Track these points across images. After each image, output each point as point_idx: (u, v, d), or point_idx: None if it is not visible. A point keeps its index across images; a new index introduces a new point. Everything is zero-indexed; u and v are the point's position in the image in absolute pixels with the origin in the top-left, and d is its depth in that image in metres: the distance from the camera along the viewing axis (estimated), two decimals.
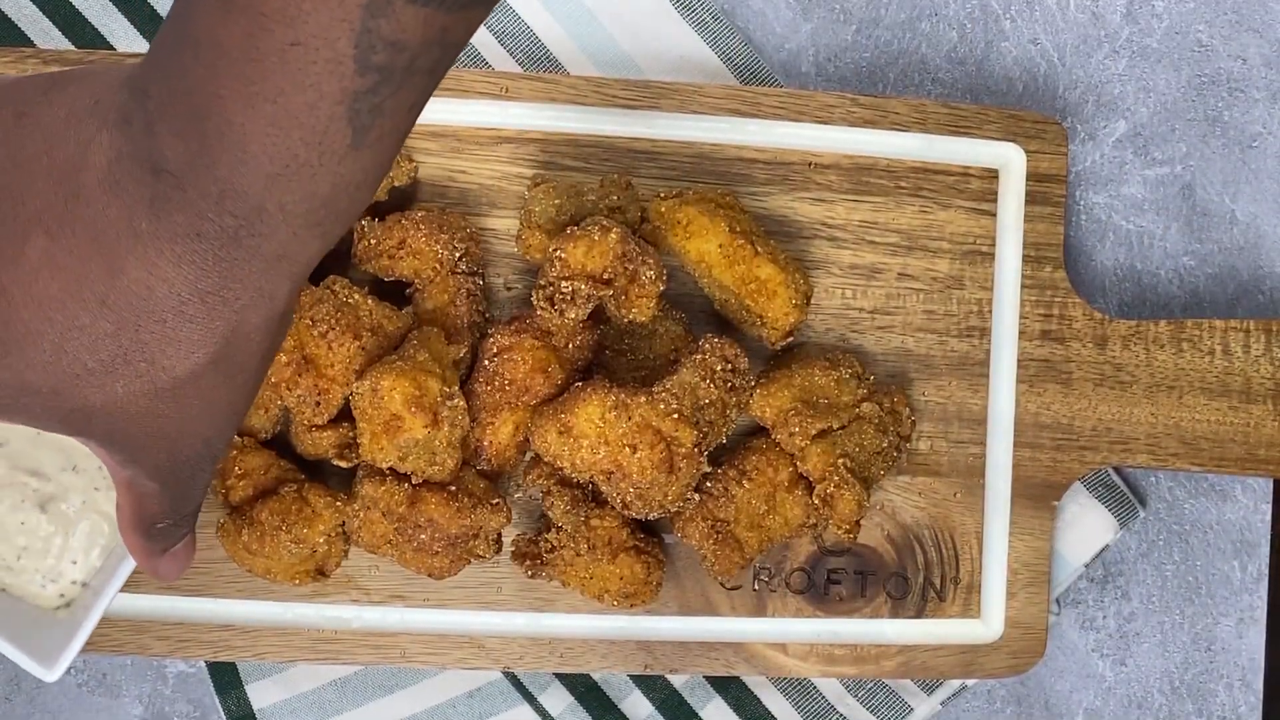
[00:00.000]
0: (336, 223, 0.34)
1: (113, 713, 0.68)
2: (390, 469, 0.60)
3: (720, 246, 0.62)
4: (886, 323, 0.67)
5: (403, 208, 0.63)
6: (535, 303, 0.59)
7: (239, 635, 0.64)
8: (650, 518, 0.61)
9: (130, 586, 0.62)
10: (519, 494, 0.65)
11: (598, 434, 0.59)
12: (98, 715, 0.68)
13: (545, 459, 0.61)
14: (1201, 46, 0.73)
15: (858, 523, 0.63)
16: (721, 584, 0.66)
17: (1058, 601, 0.71)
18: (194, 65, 0.32)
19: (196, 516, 0.42)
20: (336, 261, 0.62)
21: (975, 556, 0.68)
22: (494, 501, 0.61)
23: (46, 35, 0.67)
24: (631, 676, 0.69)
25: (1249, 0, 0.72)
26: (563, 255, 0.59)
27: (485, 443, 0.62)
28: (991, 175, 0.68)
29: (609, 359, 0.64)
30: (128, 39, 0.67)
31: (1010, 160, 0.67)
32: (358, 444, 0.60)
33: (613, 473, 0.59)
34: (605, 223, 0.59)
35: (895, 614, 0.67)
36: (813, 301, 0.66)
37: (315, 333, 0.59)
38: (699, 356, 0.61)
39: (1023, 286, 0.68)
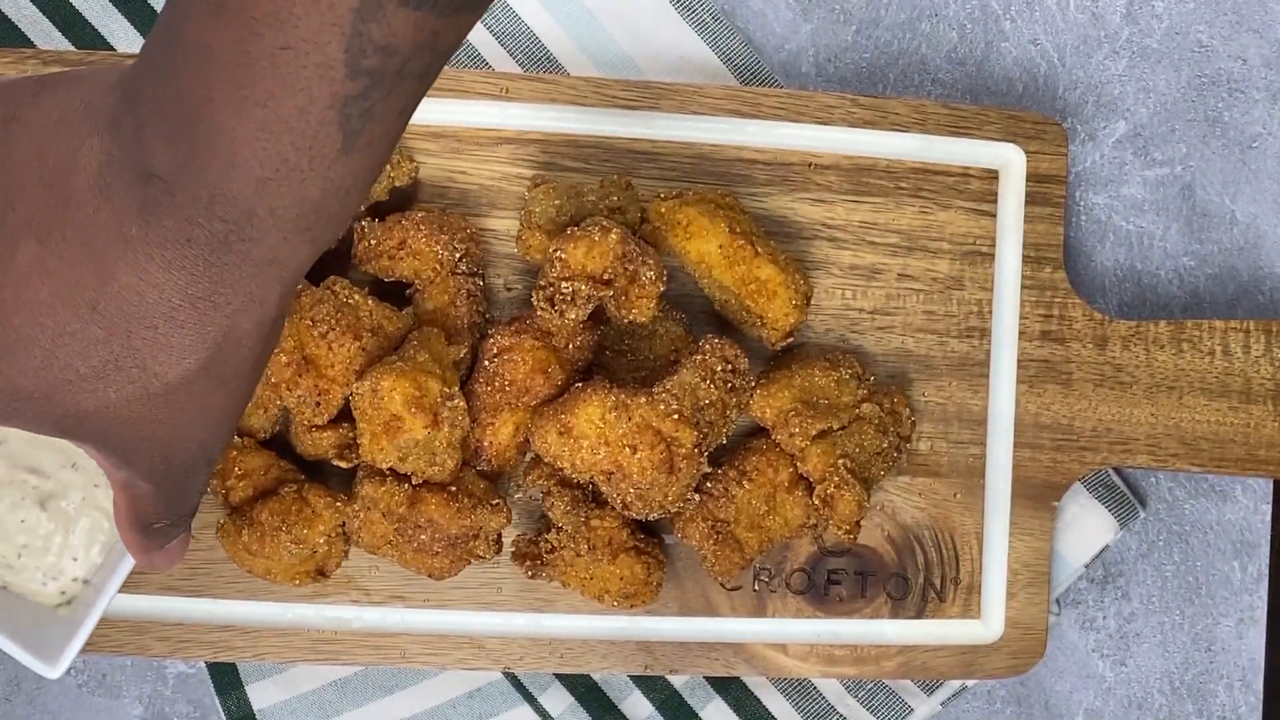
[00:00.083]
0: (327, 228, 0.34)
1: (113, 713, 0.68)
2: (390, 470, 0.60)
3: (720, 247, 0.62)
4: (886, 323, 0.67)
5: (403, 208, 0.63)
6: (535, 303, 0.59)
7: (239, 636, 0.64)
8: (650, 518, 0.61)
9: (130, 587, 0.63)
10: (519, 494, 0.65)
11: (598, 434, 0.59)
12: (98, 715, 0.68)
13: (545, 459, 0.61)
14: (1201, 47, 0.73)
15: (858, 523, 0.63)
16: (721, 584, 0.66)
17: (1058, 602, 0.71)
18: (184, 69, 0.31)
19: (193, 517, 0.42)
20: (337, 262, 0.62)
21: (975, 557, 0.68)
22: (494, 502, 0.61)
23: (46, 36, 0.67)
24: (632, 677, 0.69)
25: (1249, 0, 0.72)
26: (563, 256, 0.59)
27: (485, 443, 0.62)
28: (991, 176, 0.68)
29: (609, 359, 0.64)
30: (128, 39, 0.67)
31: (1010, 161, 0.67)
32: (357, 444, 0.60)
33: (613, 473, 0.59)
34: (605, 223, 0.59)
35: (895, 614, 0.67)
36: (813, 302, 0.66)
37: (315, 333, 0.59)
38: (699, 357, 0.61)
39: (1023, 287, 0.68)
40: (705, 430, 0.60)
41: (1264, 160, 0.73)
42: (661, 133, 0.65)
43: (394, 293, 0.63)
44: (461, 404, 0.59)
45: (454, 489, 0.61)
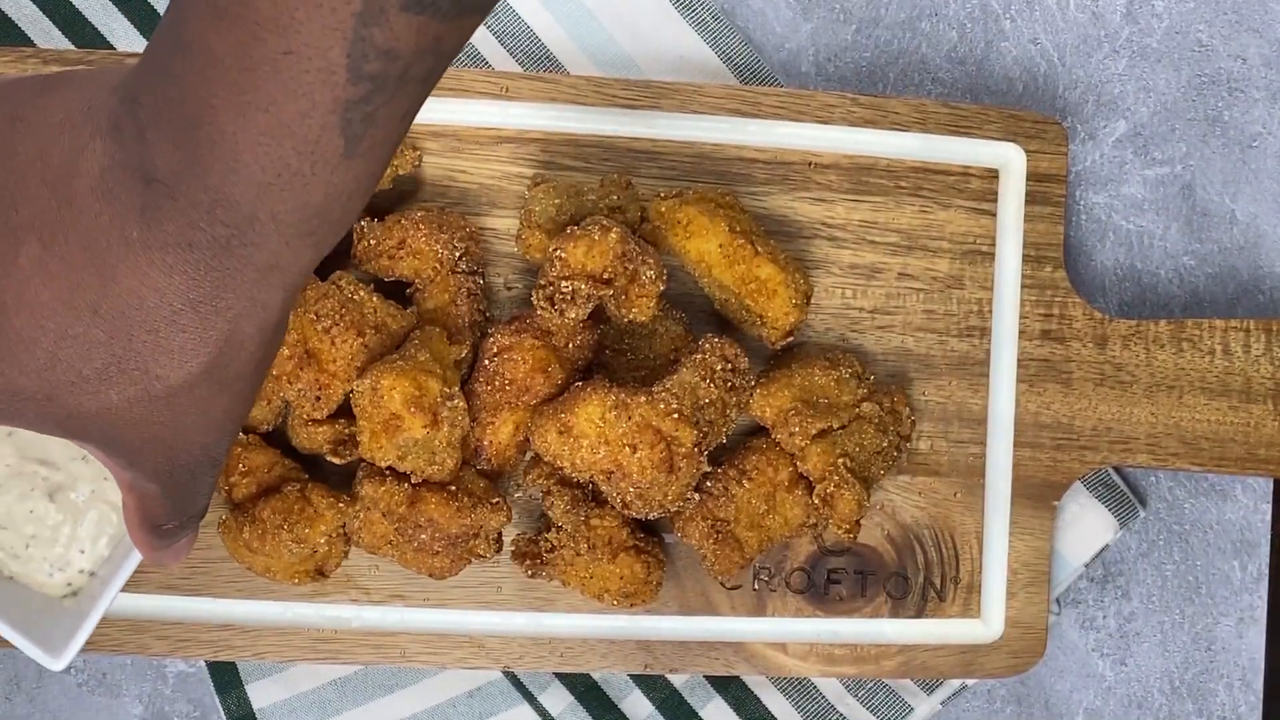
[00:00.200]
0: (330, 232, 0.34)
1: (113, 713, 0.68)
2: (390, 469, 0.60)
3: (720, 246, 0.62)
4: (886, 322, 0.67)
5: (403, 207, 0.63)
6: (535, 302, 0.59)
7: (239, 635, 0.64)
8: (650, 517, 0.61)
9: (130, 586, 0.62)
10: (519, 494, 0.65)
11: (598, 434, 0.59)
12: (98, 715, 0.68)
13: (545, 459, 0.61)
14: (1201, 46, 0.73)
15: (858, 522, 0.63)
16: (721, 584, 0.66)
17: (1058, 601, 0.71)
18: (186, 73, 0.31)
19: (202, 517, 0.42)
20: (335, 262, 0.62)
21: (975, 556, 0.68)
22: (494, 501, 0.61)
23: (46, 35, 0.67)
24: (631, 676, 0.69)
25: (1249, 0, 0.72)
26: (563, 255, 0.59)
27: (485, 443, 0.62)
28: (991, 175, 0.68)
29: (609, 359, 0.64)
30: (128, 39, 0.67)
31: (1010, 160, 0.67)
32: (354, 441, 0.60)
33: (613, 472, 0.59)
34: (605, 222, 0.59)
35: (895, 614, 0.67)
36: (813, 301, 0.66)
37: (319, 328, 0.59)
38: (699, 356, 0.61)
39: (1023, 286, 0.68)
40: (705, 429, 0.60)
41: (1264, 160, 0.73)
42: (662, 132, 0.65)
43: (395, 293, 0.63)
44: (461, 404, 0.59)
45: (454, 488, 0.61)
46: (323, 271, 0.60)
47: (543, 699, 0.69)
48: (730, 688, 0.69)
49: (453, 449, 0.59)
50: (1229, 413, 0.68)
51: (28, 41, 0.67)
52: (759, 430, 0.65)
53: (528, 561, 0.63)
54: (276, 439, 0.63)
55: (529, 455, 0.64)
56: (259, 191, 0.32)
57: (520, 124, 0.65)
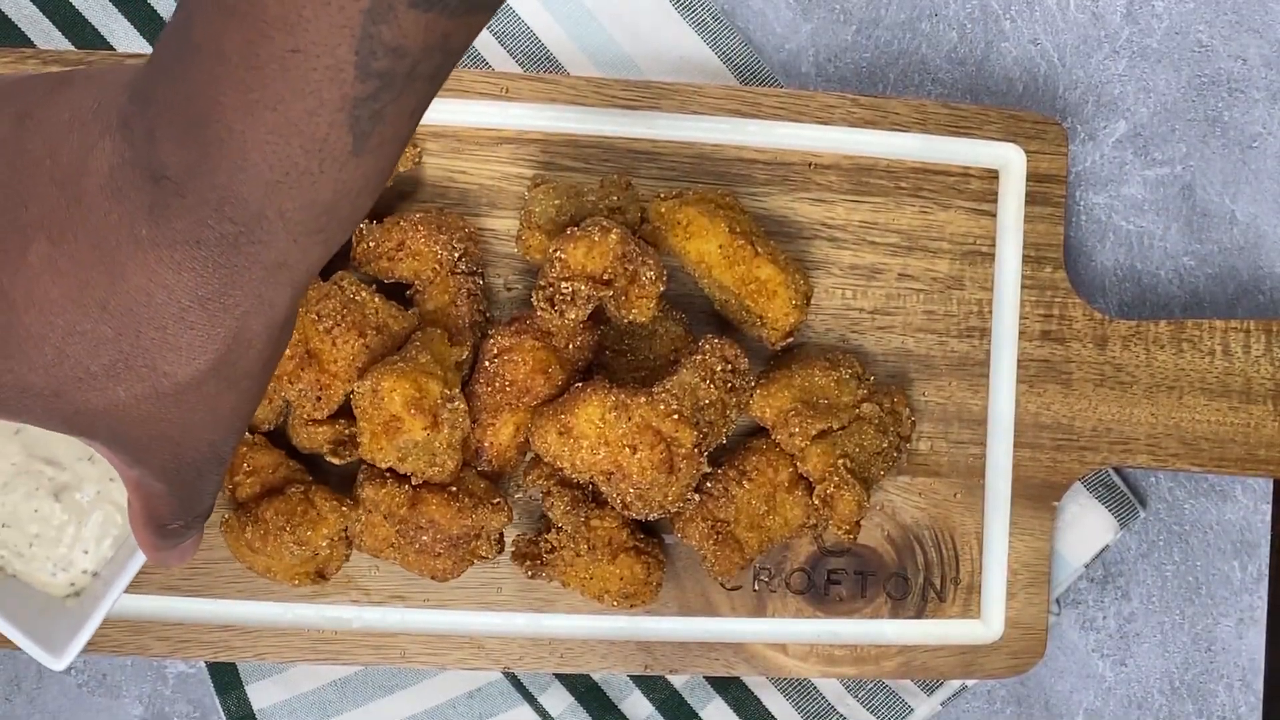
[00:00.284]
0: (338, 230, 0.34)
1: (113, 713, 0.68)
2: (390, 471, 0.60)
3: (720, 247, 0.62)
4: (886, 323, 0.67)
5: (403, 207, 0.63)
6: (535, 303, 0.59)
7: (239, 635, 0.64)
8: (650, 518, 0.61)
9: (130, 587, 0.62)
10: (519, 495, 0.65)
11: (598, 434, 0.59)
12: (98, 715, 0.68)
13: (545, 459, 0.61)
14: (1201, 46, 0.73)
15: (858, 523, 0.63)
16: (721, 584, 0.66)
17: (1058, 602, 0.71)
18: (194, 72, 0.31)
19: (207, 517, 0.42)
20: (336, 263, 0.62)
21: (975, 557, 0.68)
22: (495, 501, 0.61)
23: (46, 35, 0.67)
24: (631, 677, 0.69)
25: (1249, 0, 0.72)
26: (563, 256, 0.59)
27: (486, 444, 0.62)
28: (991, 175, 0.68)
29: (609, 359, 0.64)
30: (128, 39, 0.67)
31: (1010, 160, 0.67)
32: (354, 441, 0.60)
33: (613, 473, 0.59)
34: (605, 223, 0.59)
35: (895, 614, 0.67)
36: (813, 302, 0.66)
37: (320, 328, 0.59)
38: (699, 357, 0.61)
39: (1023, 287, 0.68)
40: (705, 430, 0.60)
41: (1264, 160, 0.73)
42: (661, 133, 0.65)
43: (396, 293, 0.63)
44: (462, 405, 0.59)
45: (454, 489, 0.61)
46: (324, 273, 0.60)
47: (543, 700, 0.69)
48: (730, 688, 0.69)
49: (453, 450, 0.59)
50: (1229, 413, 0.68)
51: (28, 42, 0.67)
52: (759, 431, 0.65)
53: (528, 562, 0.63)
54: (278, 439, 0.63)
55: (529, 456, 0.64)
56: (267, 189, 0.32)
57: (520, 124, 0.65)
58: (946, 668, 0.68)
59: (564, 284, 0.58)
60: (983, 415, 0.68)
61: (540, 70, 0.69)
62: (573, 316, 0.59)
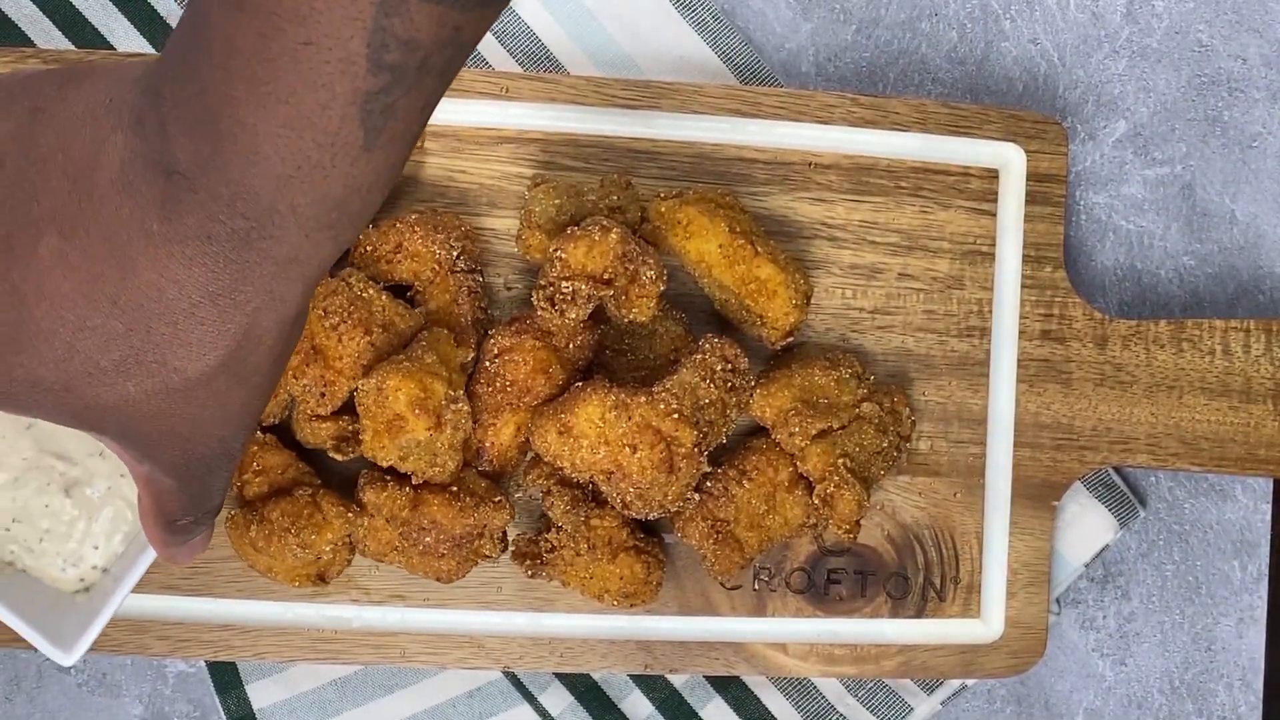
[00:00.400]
0: (349, 225, 0.34)
1: (113, 713, 0.68)
2: (390, 472, 0.60)
3: (720, 246, 0.62)
4: (886, 323, 0.67)
5: (402, 207, 0.63)
6: (536, 303, 0.59)
7: (239, 635, 0.64)
8: (650, 518, 0.61)
9: None
10: (519, 494, 0.65)
11: (598, 434, 0.59)
12: (98, 715, 0.68)
13: (545, 459, 0.61)
14: (1201, 46, 0.73)
15: (858, 523, 0.63)
16: (721, 584, 0.66)
17: (1058, 601, 0.71)
18: (207, 66, 0.32)
19: (218, 513, 0.42)
20: (336, 267, 0.62)
21: (975, 556, 0.68)
22: (496, 499, 0.61)
23: (47, 35, 0.67)
24: (631, 676, 0.69)
25: (1249, 0, 0.72)
26: (563, 255, 0.59)
27: (487, 444, 0.62)
28: (991, 175, 0.68)
29: (609, 359, 0.64)
30: (128, 39, 0.67)
31: (1010, 160, 0.67)
32: (356, 438, 0.60)
33: (613, 473, 0.59)
34: (605, 223, 0.59)
35: (895, 614, 0.67)
36: (813, 301, 0.66)
37: (326, 324, 0.58)
38: (699, 356, 0.61)
39: (1023, 286, 0.68)
40: (705, 430, 0.60)
41: (1264, 160, 0.73)
42: (661, 132, 0.65)
43: (399, 295, 0.62)
44: (465, 407, 0.59)
45: (455, 489, 0.61)
46: (329, 274, 0.60)
47: (543, 699, 0.69)
48: (730, 688, 0.69)
49: (454, 451, 0.59)
50: (1229, 413, 0.68)
51: (28, 41, 0.67)
52: (759, 430, 0.65)
53: (528, 562, 0.63)
54: (291, 441, 0.62)
55: (529, 456, 0.64)
56: (279, 184, 0.32)
57: (520, 124, 0.65)
58: (946, 667, 0.68)
59: (564, 283, 0.58)
60: (983, 415, 0.68)
61: (540, 70, 0.69)
62: (573, 316, 0.59)
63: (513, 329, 0.61)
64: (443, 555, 0.61)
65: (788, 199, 0.66)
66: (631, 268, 0.59)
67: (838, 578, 0.67)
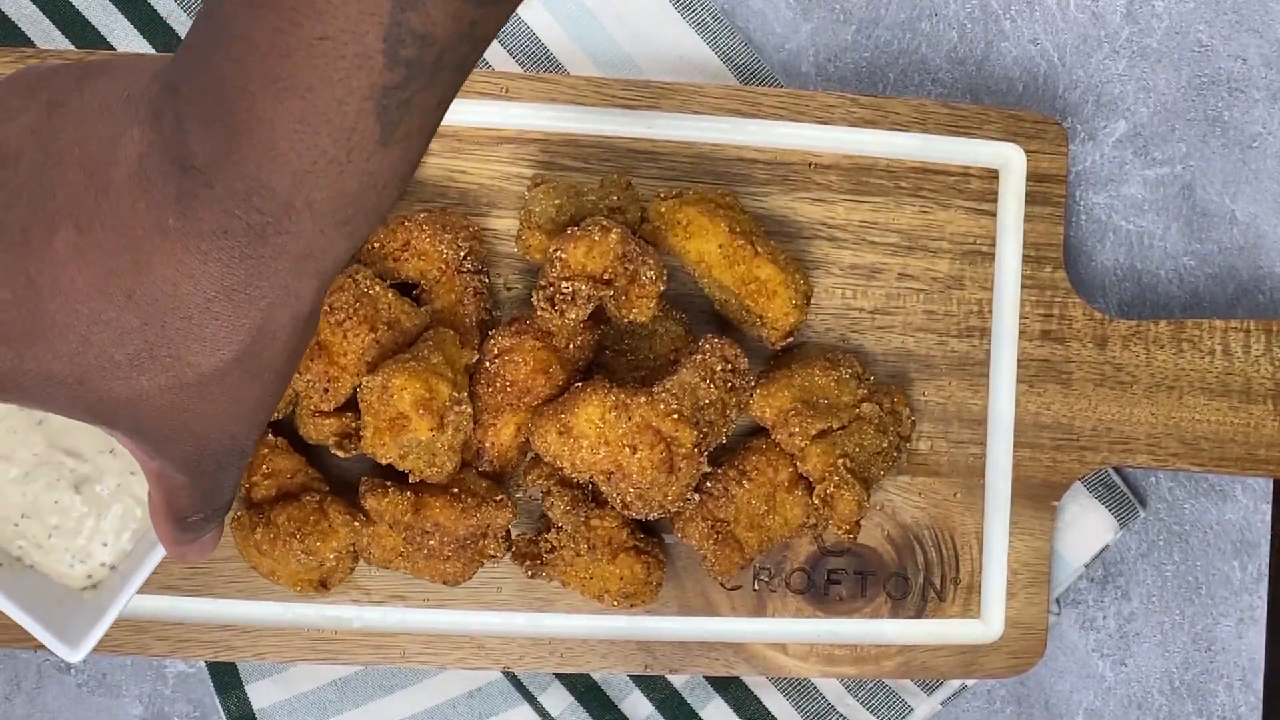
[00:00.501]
0: (364, 221, 0.34)
1: (113, 713, 0.68)
2: (389, 477, 0.60)
3: (720, 247, 0.62)
4: (886, 323, 0.67)
5: (403, 207, 0.63)
6: (536, 303, 0.59)
7: (239, 635, 0.64)
8: (650, 518, 0.61)
9: None
10: (519, 494, 0.65)
11: (598, 434, 0.59)
12: (98, 715, 0.68)
13: (545, 459, 0.61)
14: (1201, 46, 0.73)
15: (858, 523, 0.63)
16: (721, 584, 0.66)
17: (1058, 601, 0.71)
18: (224, 61, 0.32)
19: (228, 510, 0.42)
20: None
21: (975, 556, 0.68)
22: (498, 498, 0.61)
23: (47, 35, 0.67)
24: (631, 676, 0.69)
25: (1249, 0, 0.72)
26: (563, 256, 0.59)
27: (487, 444, 0.62)
28: (992, 175, 0.68)
29: (609, 359, 0.64)
30: (127, 39, 0.67)
31: (1010, 160, 0.67)
32: (359, 436, 0.60)
33: (613, 473, 0.59)
34: (605, 223, 0.59)
35: (895, 614, 0.67)
36: (813, 301, 0.66)
37: (332, 320, 0.58)
38: (699, 356, 0.61)
39: (1023, 286, 0.68)
40: (705, 430, 0.60)
41: (1264, 160, 0.73)
42: (661, 132, 0.65)
43: (404, 293, 0.62)
44: (468, 409, 0.59)
45: (456, 490, 0.61)
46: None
47: (543, 699, 0.69)
48: (730, 688, 0.69)
49: (453, 453, 0.59)
50: (1229, 413, 0.68)
51: (28, 42, 0.67)
52: (759, 430, 0.65)
53: (528, 562, 0.63)
54: (294, 440, 0.62)
55: (529, 456, 0.64)
56: (295, 179, 0.32)
57: (520, 124, 0.65)
58: (946, 667, 0.68)
59: (564, 284, 0.58)
60: (983, 415, 0.68)
61: (540, 70, 0.69)
62: (573, 316, 0.59)
63: (513, 329, 0.61)
64: (448, 558, 0.61)
65: (788, 199, 0.66)
66: (631, 268, 0.59)
67: (838, 578, 0.67)
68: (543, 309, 0.59)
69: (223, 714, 0.67)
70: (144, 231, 0.33)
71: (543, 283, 0.59)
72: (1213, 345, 0.68)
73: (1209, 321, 0.69)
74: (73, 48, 0.67)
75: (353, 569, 0.63)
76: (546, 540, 0.63)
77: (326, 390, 0.59)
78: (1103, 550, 0.71)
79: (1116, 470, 0.71)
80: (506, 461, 0.62)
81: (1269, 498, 0.73)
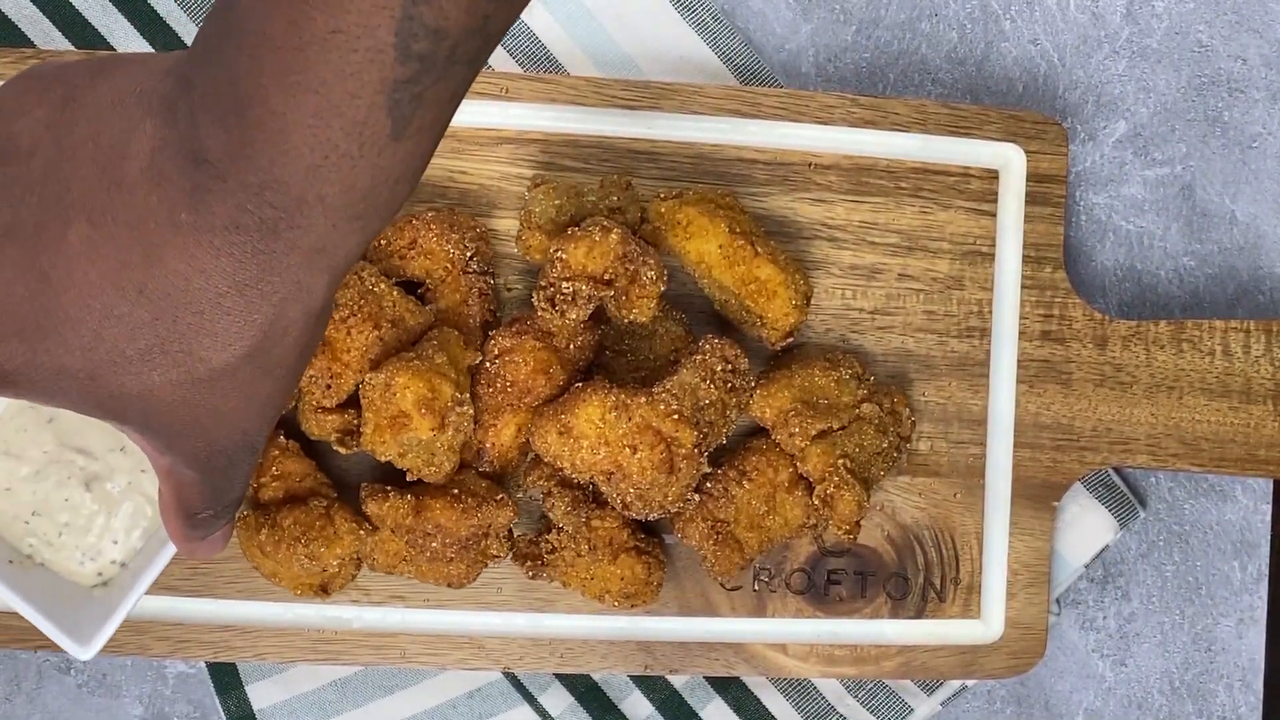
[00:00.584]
0: (376, 216, 0.34)
1: (113, 713, 0.68)
2: (388, 480, 0.60)
3: (720, 247, 0.62)
4: (886, 323, 0.67)
5: (404, 205, 0.63)
6: (536, 304, 0.59)
7: (239, 635, 0.64)
8: (650, 518, 0.61)
9: None
10: (520, 495, 0.65)
11: (598, 435, 0.59)
12: (98, 715, 0.68)
13: (546, 460, 0.61)
14: (1201, 46, 0.73)
15: (858, 523, 0.63)
16: (721, 584, 0.66)
17: (1058, 602, 0.71)
18: (237, 55, 0.32)
19: (238, 507, 0.42)
20: None
21: (975, 557, 0.68)
22: (499, 498, 0.61)
23: (47, 35, 0.67)
24: (631, 677, 0.69)
25: (1249, 0, 0.72)
26: (563, 256, 0.59)
27: (488, 445, 0.62)
28: (991, 175, 0.68)
29: (609, 359, 0.64)
30: (127, 39, 0.67)
31: (1010, 161, 0.67)
32: (360, 432, 0.60)
33: (613, 473, 0.59)
34: (605, 223, 0.59)
35: (895, 614, 0.67)
36: (813, 302, 0.66)
37: (336, 317, 0.58)
38: (699, 357, 0.61)
39: (1023, 287, 0.68)
40: (705, 430, 0.60)
41: (1264, 160, 0.73)
42: (661, 133, 0.65)
43: (409, 292, 0.62)
44: (469, 410, 0.59)
45: (456, 491, 0.61)
46: None
47: (543, 700, 0.69)
48: (730, 688, 0.69)
49: (451, 453, 0.60)
50: (1229, 413, 0.68)
51: (28, 42, 0.67)
52: (759, 431, 0.65)
53: (528, 563, 0.63)
54: (305, 444, 0.62)
55: (530, 457, 0.64)
56: (308, 174, 0.32)
57: (520, 124, 0.65)
58: (946, 668, 0.68)
59: (564, 284, 0.58)
60: (983, 415, 0.68)
61: (540, 70, 0.69)
62: (573, 316, 0.59)
63: (513, 330, 0.61)
64: (451, 560, 0.61)
65: (788, 199, 0.66)
66: (631, 268, 0.59)
67: (838, 578, 0.67)
68: (543, 309, 0.59)
69: (223, 714, 0.67)
70: (156, 226, 0.33)
71: (543, 283, 0.59)
72: (1213, 345, 0.69)
73: (1209, 322, 0.69)
74: (73, 48, 0.67)
75: (354, 576, 0.63)
76: (547, 541, 0.63)
77: (329, 386, 0.59)
78: (1103, 550, 0.71)
79: (1116, 470, 0.71)
80: (507, 462, 0.62)
81: (1269, 498, 0.73)
